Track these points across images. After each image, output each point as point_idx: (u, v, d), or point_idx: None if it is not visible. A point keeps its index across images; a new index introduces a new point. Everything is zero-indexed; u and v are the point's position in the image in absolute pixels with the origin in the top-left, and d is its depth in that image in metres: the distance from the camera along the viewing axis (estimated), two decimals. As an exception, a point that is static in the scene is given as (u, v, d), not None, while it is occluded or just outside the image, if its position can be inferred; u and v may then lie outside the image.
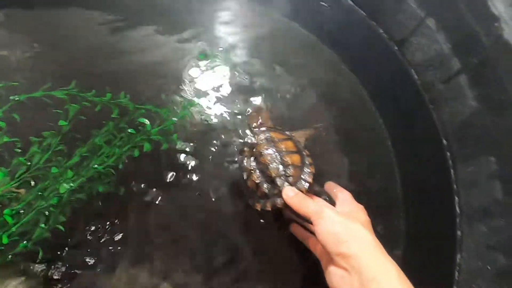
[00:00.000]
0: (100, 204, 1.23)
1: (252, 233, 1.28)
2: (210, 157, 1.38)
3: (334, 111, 1.52)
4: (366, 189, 1.40)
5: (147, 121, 1.24)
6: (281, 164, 1.07)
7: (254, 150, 1.14)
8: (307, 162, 1.12)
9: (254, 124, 1.34)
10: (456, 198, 1.30)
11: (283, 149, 1.11)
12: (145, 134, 1.24)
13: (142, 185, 1.31)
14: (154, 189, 1.31)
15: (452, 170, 1.34)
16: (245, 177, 1.14)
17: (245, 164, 1.15)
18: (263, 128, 1.26)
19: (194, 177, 1.34)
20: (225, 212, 1.30)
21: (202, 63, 1.57)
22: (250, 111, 1.45)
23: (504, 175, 1.15)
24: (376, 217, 1.01)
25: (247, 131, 1.40)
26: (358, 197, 1.06)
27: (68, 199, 1.08)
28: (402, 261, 1.27)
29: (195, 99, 1.47)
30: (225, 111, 1.48)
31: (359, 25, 1.59)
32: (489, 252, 1.14)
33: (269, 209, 1.06)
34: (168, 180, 1.33)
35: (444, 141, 1.37)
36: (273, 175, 1.04)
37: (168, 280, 1.17)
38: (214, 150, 1.40)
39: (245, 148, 1.21)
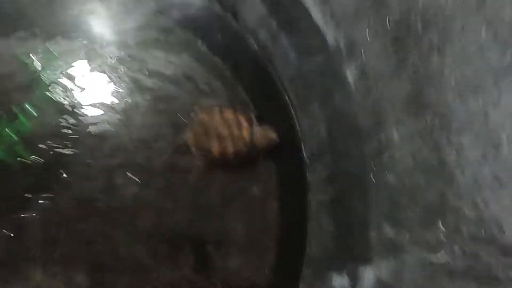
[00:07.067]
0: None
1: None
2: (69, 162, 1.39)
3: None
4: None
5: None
6: None
7: None
8: None
9: None
10: (302, 146, 1.42)
11: None
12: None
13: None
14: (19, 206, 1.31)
15: (295, 121, 1.45)
16: None
17: None
18: None
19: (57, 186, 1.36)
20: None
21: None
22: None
23: (325, 116, 1.28)
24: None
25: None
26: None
27: None
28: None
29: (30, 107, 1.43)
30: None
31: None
32: (324, 185, 1.29)
33: None
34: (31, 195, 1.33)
35: (286, 96, 1.47)
36: None
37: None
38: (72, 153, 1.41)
39: None
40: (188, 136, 1.43)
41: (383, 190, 0.96)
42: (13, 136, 1.27)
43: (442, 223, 0.74)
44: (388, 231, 0.91)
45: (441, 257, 0.73)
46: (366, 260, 0.98)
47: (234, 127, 1.40)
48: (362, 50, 1.01)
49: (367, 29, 0.98)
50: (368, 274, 0.98)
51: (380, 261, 0.93)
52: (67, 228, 1.32)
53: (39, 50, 1.53)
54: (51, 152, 1.39)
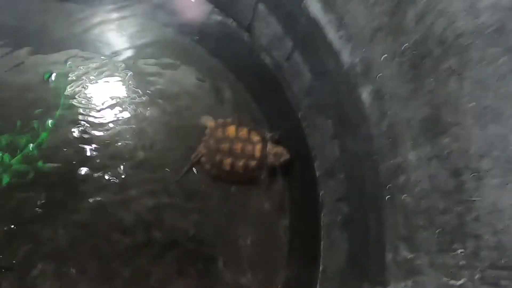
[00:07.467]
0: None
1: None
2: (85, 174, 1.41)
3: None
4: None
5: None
6: None
7: None
8: None
9: None
10: (314, 163, 1.43)
11: None
12: (3, 167, 1.25)
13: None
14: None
15: (308, 138, 1.46)
16: None
17: None
18: None
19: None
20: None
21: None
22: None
23: (338, 135, 1.29)
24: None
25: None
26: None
27: None
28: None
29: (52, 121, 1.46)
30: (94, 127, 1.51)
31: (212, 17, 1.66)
32: (338, 204, 1.29)
33: None
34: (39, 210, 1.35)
35: (298, 113, 1.49)
36: None
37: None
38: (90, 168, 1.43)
39: None
40: (201, 150, 1.45)
41: (399, 211, 0.96)
42: (32, 149, 1.30)
43: (461, 247, 0.74)
44: (405, 253, 0.91)
45: (460, 281, 0.73)
46: (382, 282, 0.98)
47: (247, 144, 1.41)
48: (378, 71, 1.03)
49: (383, 52, 0.99)
50: (384, 296, 0.98)
51: (396, 283, 0.93)
52: (81, 239, 1.34)
53: (59, 66, 1.57)
54: (68, 165, 1.42)
